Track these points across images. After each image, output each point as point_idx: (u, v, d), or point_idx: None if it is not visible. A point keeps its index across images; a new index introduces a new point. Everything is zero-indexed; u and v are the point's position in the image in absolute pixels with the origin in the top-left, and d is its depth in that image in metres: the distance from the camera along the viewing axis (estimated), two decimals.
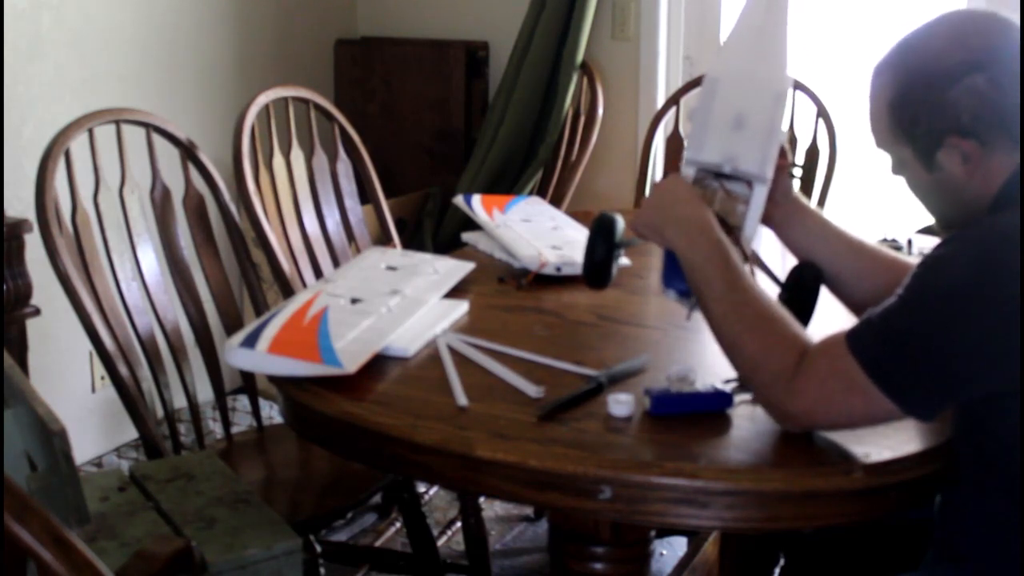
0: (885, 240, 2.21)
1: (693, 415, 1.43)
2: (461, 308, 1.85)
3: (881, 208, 3.11)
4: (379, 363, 1.61)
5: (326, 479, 2.12)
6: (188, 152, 2.23)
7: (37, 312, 2.40)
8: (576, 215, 2.46)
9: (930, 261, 1.31)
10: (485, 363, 1.61)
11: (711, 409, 1.44)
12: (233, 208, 2.27)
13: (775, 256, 1.85)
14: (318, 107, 2.53)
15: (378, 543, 2.72)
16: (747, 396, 1.45)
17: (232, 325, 2.18)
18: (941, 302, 1.27)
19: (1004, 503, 1.32)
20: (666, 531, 2.53)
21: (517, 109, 3.44)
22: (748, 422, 1.42)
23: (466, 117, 3.71)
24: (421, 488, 2.48)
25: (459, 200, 2.42)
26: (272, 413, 3.05)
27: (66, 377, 3.02)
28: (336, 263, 2.44)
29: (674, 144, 3.00)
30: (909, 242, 2.22)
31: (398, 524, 2.74)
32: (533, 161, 3.46)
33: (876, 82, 1.42)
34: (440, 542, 2.66)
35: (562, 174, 3.44)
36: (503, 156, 3.45)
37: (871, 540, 1.67)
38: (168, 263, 2.17)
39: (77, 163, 2.02)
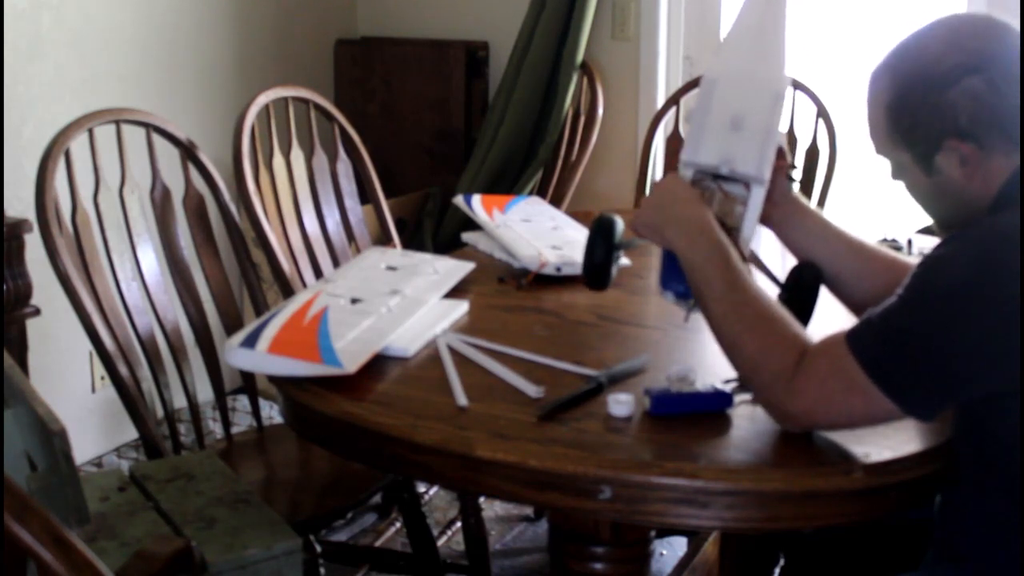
0: (885, 240, 2.21)
1: (693, 415, 1.43)
2: (461, 308, 1.85)
3: (881, 208, 3.11)
4: (379, 363, 1.61)
5: (326, 479, 2.12)
6: (188, 152, 2.23)
7: (37, 312, 2.40)
8: (576, 215, 2.46)
9: (930, 261, 1.31)
10: (485, 363, 1.61)
11: (711, 409, 1.44)
12: (233, 208, 2.27)
13: (775, 256, 1.85)
14: (318, 107, 2.53)
15: (378, 543, 2.72)
16: (747, 396, 1.45)
17: (232, 325, 2.18)
18: (941, 302, 1.27)
19: (1004, 503, 1.32)
20: (666, 531, 2.52)
21: (517, 109, 3.44)
22: (748, 422, 1.42)
23: (466, 117, 3.71)
24: (421, 488, 2.48)
25: (459, 200, 2.42)
26: (272, 413, 3.05)
27: (66, 377, 3.02)
28: (336, 263, 2.44)
29: (674, 144, 3.00)
30: (909, 242, 2.22)
31: (398, 524, 2.74)
32: (533, 161, 3.46)
33: (873, 87, 1.42)
34: (440, 542, 2.66)
35: (562, 174, 3.44)
36: (503, 156, 3.45)
37: (871, 540, 1.67)
38: (168, 263, 2.17)
39: (77, 163, 2.02)
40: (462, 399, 1.48)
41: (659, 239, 1.49)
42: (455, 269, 2.01)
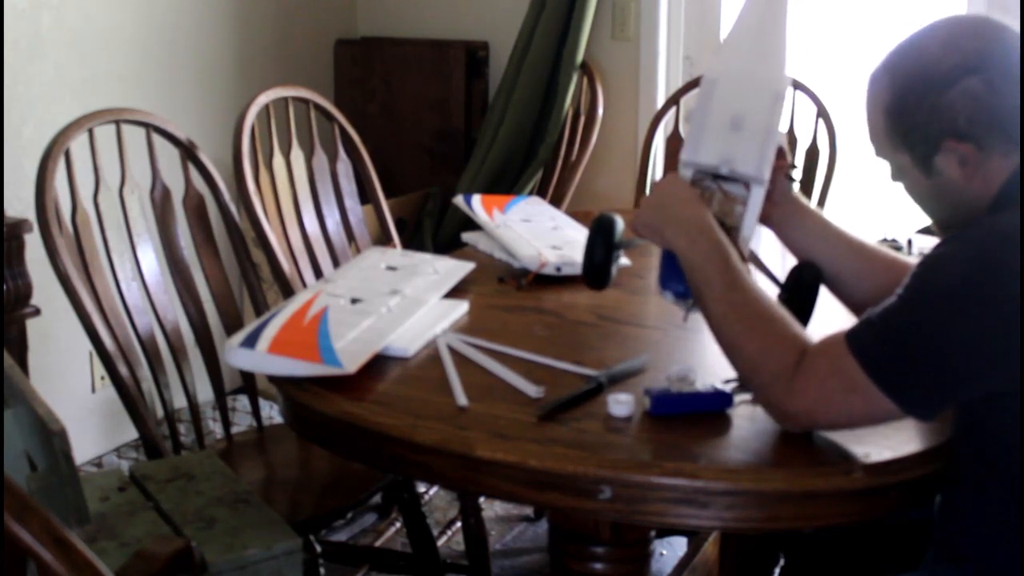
0: (885, 240, 2.21)
1: (693, 415, 1.43)
2: (461, 308, 1.85)
3: (881, 208, 3.11)
4: (379, 363, 1.61)
5: (326, 479, 2.12)
6: (188, 152, 2.23)
7: (37, 312, 2.40)
8: (576, 215, 2.46)
9: (930, 260, 1.31)
10: (485, 363, 1.61)
11: (711, 409, 1.44)
12: (233, 208, 2.27)
13: (775, 256, 1.85)
14: (318, 107, 2.53)
15: (378, 543, 2.72)
16: (747, 396, 1.45)
17: (232, 325, 2.18)
18: (941, 301, 1.27)
19: (1004, 503, 1.32)
20: (666, 531, 2.52)
21: (517, 109, 3.44)
22: (748, 422, 1.42)
23: (466, 117, 3.71)
24: (421, 488, 2.48)
25: (459, 200, 2.42)
26: (272, 413, 3.05)
27: (66, 377, 3.02)
28: (336, 263, 2.44)
29: (674, 144, 3.00)
30: (909, 242, 2.22)
31: (398, 524, 2.74)
32: (533, 161, 3.46)
33: (872, 89, 1.42)
34: (440, 542, 2.66)
35: (562, 174, 3.44)
36: (503, 156, 3.45)
37: (871, 540, 1.67)
38: (168, 263, 2.17)
39: (77, 163, 2.02)
40: (462, 399, 1.48)
41: (659, 239, 1.49)
42: (455, 269, 2.01)
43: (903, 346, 1.28)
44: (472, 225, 2.36)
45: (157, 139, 2.18)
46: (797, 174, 2.41)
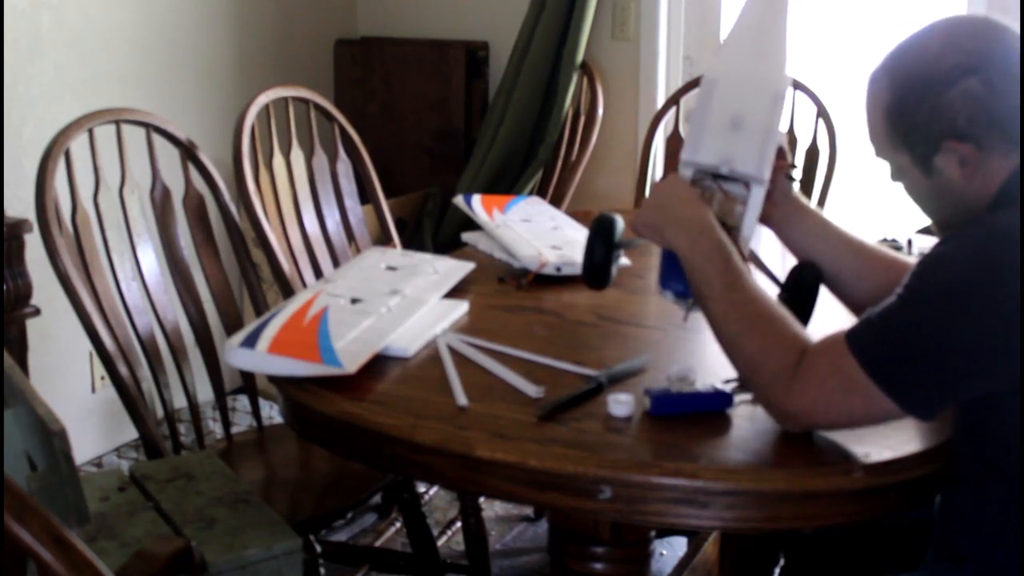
0: (885, 240, 2.21)
1: (693, 415, 1.43)
2: (461, 308, 1.85)
3: (881, 208, 3.11)
4: (379, 363, 1.61)
5: (326, 479, 2.12)
6: (188, 152, 2.23)
7: (37, 312, 2.40)
8: (576, 215, 2.46)
9: (929, 259, 1.31)
10: (485, 363, 1.61)
11: (711, 409, 1.44)
12: (233, 208, 2.27)
13: (775, 256, 1.85)
14: (318, 107, 2.53)
15: (378, 543, 2.72)
16: (747, 396, 1.45)
17: (232, 325, 2.18)
18: (940, 299, 1.27)
19: (1004, 503, 1.32)
20: (666, 531, 2.52)
21: (517, 109, 3.44)
22: (748, 422, 1.42)
23: (466, 117, 3.71)
24: (421, 488, 2.48)
25: (459, 200, 2.42)
26: (272, 413, 3.05)
27: (66, 377, 3.02)
28: (336, 263, 2.44)
29: (674, 144, 2.99)
30: (909, 242, 2.22)
31: (398, 524, 2.74)
32: (533, 161, 3.46)
33: (872, 89, 1.42)
34: (440, 542, 2.66)
35: (562, 174, 3.44)
36: (503, 156, 3.45)
37: (871, 540, 1.67)
38: (168, 263, 2.17)
39: (77, 163, 2.02)
40: (462, 399, 1.48)
41: (660, 239, 1.49)
42: (455, 269, 2.01)
43: (903, 345, 1.28)
44: (472, 225, 2.36)
45: (157, 139, 2.18)
46: (797, 174, 2.41)
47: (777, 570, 1.90)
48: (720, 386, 1.46)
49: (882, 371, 1.28)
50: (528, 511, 2.90)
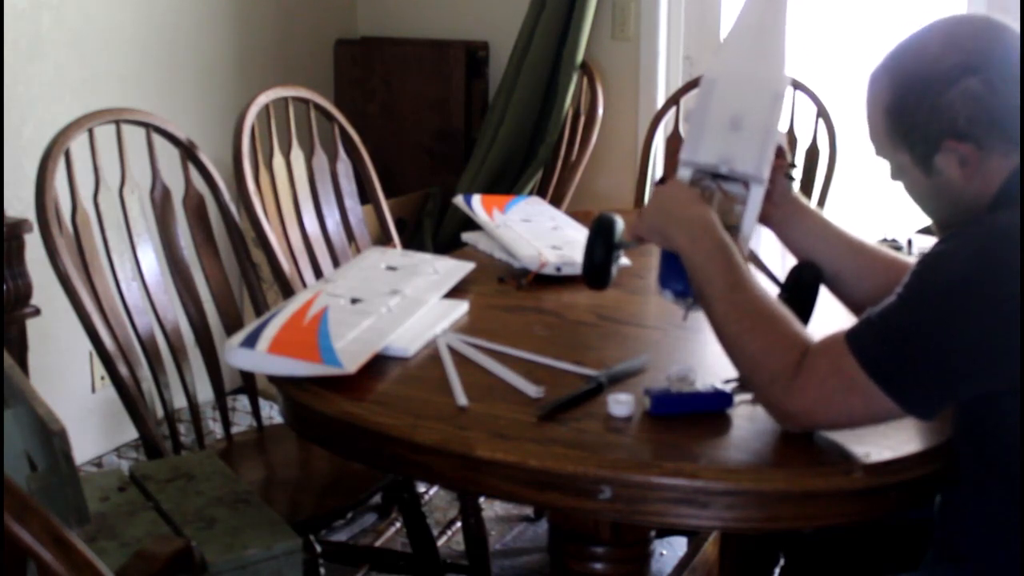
0: (885, 240, 2.21)
1: (693, 415, 1.43)
2: (461, 308, 1.85)
3: (881, 208, 3.11)
4: (379, 363, 1.61)
5: (326, 479, 2.12)
6: (188, 152, 2.23)
7: (37, 312, 2.40)
8: (576, 215, 2.46)
9: (929, 259, 1.31)
10: (485, 363, 1.61)
11: (711, 409, 1.44)
12: (233, 208, 2.27)
13: (775, 256, 1.85)
14: (318, 107, 2.53)
15: (378, 543, 2.72)
16: (747, 396, 1.45)
17: (232, 325, 2.18)
18: (940, 298, 1.28)
19: (1004, 503, 1.32)
20: (666, 531, 2.52)
21: (517, 109, 3.44)
22: (748, 422, 1.42)
23: (466, 117, 3.71)
24: (421, 488, 2.48)
25: (459, 200, 2.42)
26: (272, 413, 3.05)
27: (66, 377, 3.02)
28: (336, 263, 2.44)
29: (674, 144, 2.99)
30: (909, 242, 2.22)
31: (398, 524, 2.74)
32: (533, 161, 3.46)
33: (872, 88, 1.42)
34: (440, 542, 2.66)
35: (562, 174, 3.44)
36: (503, 156, 3.45)
37: (871, 540, 1.67)
38: (168, 263, 2.17)
39: (77, 163, 2.02)
40: (462, 399, 1.48)
41: (662, 240, 1.48)
42: (455, 269, 2.01)
43: (903, 345, 1.28)
44: (472, 225, 2.36)
45: (157, 139, 2.18)
46: (797, 173, 2.41)
47: (777, 570, 1.90)
48: (720, 386, 1.46)
49: (882, 371, 1.28)
50: (528, 511, 2.90)
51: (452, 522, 2.79)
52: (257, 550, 1.59)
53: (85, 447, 3.06)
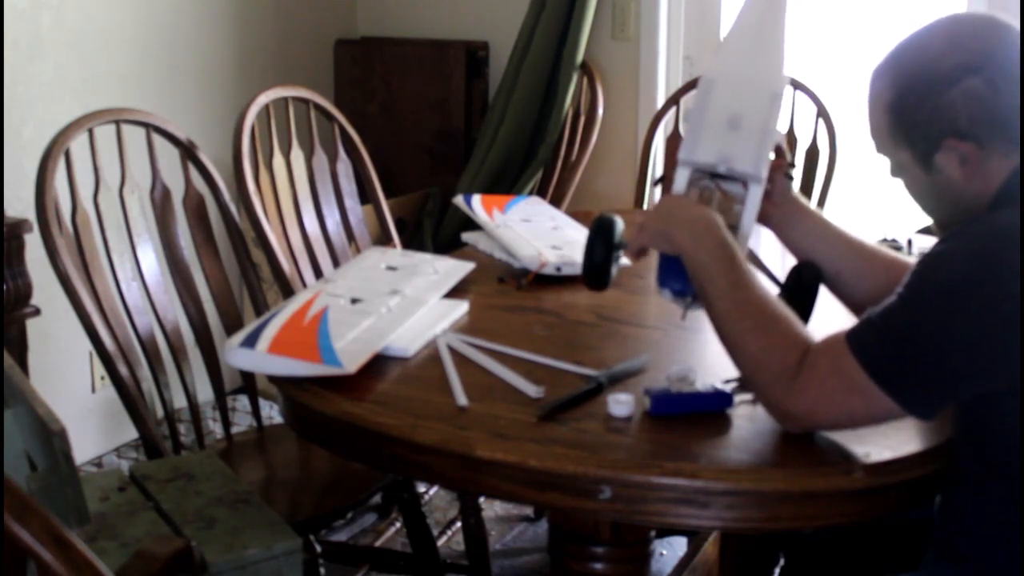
0: (885, 240, 2.21)
1: (693, 415, 1.43)
2: (461, 308, 1.85)
3: (881, 208, 3.11)
4: (379, 363, 1.61)
5: (326, 479, 2.12)
6: (188, 152, 2.23)
7: (37, 312, 2.40)
8: (576, 215, 2.46)
9: (929, 258, 1.31)
10: (485, 363, 1.61)
11: (711, 409, 1.44)
12: (233, 208, 2.27)
13: (775, 256, 1.85)
14: (318, 107, 2.53)
15: (378, 543, 2.72)
16: (747, 396, 1.45)
17: (232, 325, 2.18)
18: (940, 298, 1.28)
19: (1004, 503, 1.32)
20: (666, 531, 2.52)
21: (517, 109, 3.44)
22: (748, 422, 1.42)
23: (466, 117, 3.71)
24: (421, 488, 2.48)
25: (459, 200, 2.42)
26: (272, 413, 3.05)
27: (66, 377, 3.02)
28: (336, 263, 2.44)
29: (674, 144, 3.00)
30: (909, 242, 2.22)
31: (398, 524, 2.74)
32: (533, 161, 3.46)
33: (874, 86, 1.42)
34: (440, 542, 2.66)
35: (562, 174, 3.44)
36: (503, 156, 3.45)
37: (871, 540, 1.67)
38: (168, 263, 2.17)
39: (77, 163, 2.02)
40: (462, 399, 1.48)
41: (665, 243, 1.48)
42: (455, 269, 2.01)
43: (903, 345, 1.28)
44: (472, 225, 2.36)
45: (157, 139, 2.18)
46: (797, 173, 2.41)
47: (777, 570, 1.90)
48: (720, 386, 1.46)
49: (882, 371, 1.28)
50: (528, 511, 2.90)
51: (452, 522, 2.79)
52: (257, 550, 1.59)
53: (85, 447, 3.06)
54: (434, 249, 3.33)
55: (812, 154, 2.90)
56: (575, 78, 3.43)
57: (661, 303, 1.59)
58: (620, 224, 1.57)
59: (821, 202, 2.86)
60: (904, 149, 1.40)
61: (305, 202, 2.44)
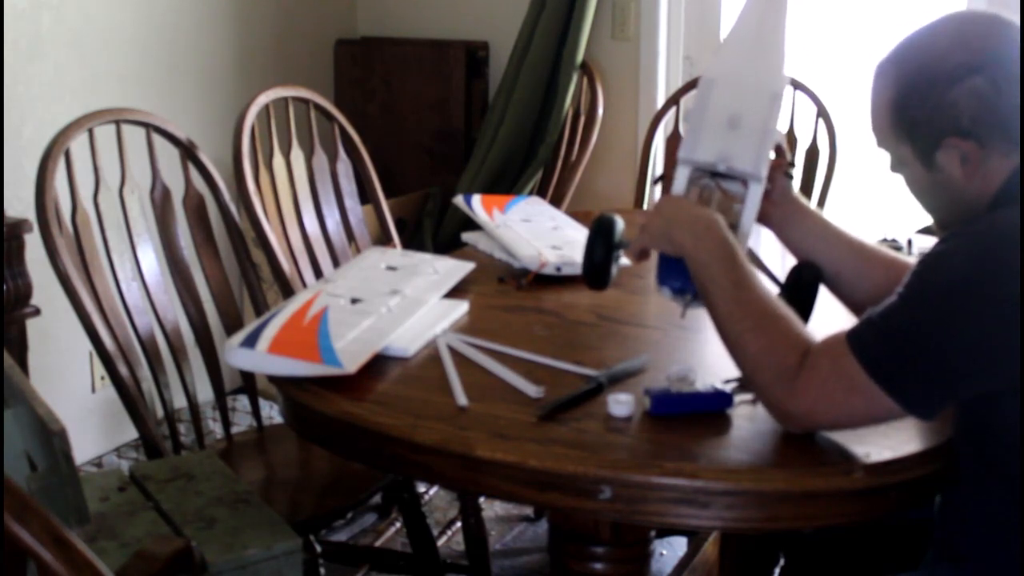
0: (885, 240, 2.21)
1: (693, 415, 1.43)
2: (461, 308, 1.85)
3: (881, 208, 3.11)
4: (379, 363, 1.61)
5: (326, 479, 2.12)
6: (188, 152, 2.23)
7: (37, 312, 2.40)
8: (576, 215, 2.46)
9: (930, 258, 1.31)
10: (485, 363, 1.61)
11: (711, 409, 1.44)
12: (233, 208, 2.27)
13: (775, 256, 1.85)
14: (318, 107, 2.53)
15: (378, 543, 2.72)
16: (747, 396, 1.45)
17: (232, 325, 2.18)
18: (940, 298, 1.28)
19: (1004, 503, 1.32)
20: (666, 531, 2.52)
21: (517, 109, 3.44)
22: (748, 422, 1.42)
23: (466, 117, 3.71)
24: (421, 488, 2.48)
25: (459, 200, 2.42)
26: (272, 413, 3.05)
27: (66, 377, 3.02)
28: (336, 263, 2.44)
29: (674, 144, 2.99)
30: (909, 242, 2.22)
31: (398, 524, 2.74)
32: (533, 161, 3.46)
33: (878, 81, 1.42)
34: (440, 542, 2.66)
35: (562, 174, 3.44)
36: (503, 156, 3.45)
37: (871, 540, 1.67)
38: (168, 263, 2.17)
39: (77, 163, 2.02)
40: (462, 399, 1.48)
41: (667, 243, 1.48)
42: (455, 269, 2.01)
43: (903, 345, 1.28)
44: (472, 225, 2.36)
45: (157, 139, 2.18)
46: (797, 173, 2.41)
47: (777, 570, 1.90)
48: (720, 386, 1.46)
49: (883, 371, 1.28)
50: (528, 511, 2.90)
51: (452, 522, 2.79)
52: (257, 550, 1.59)
53: (85, 447, 3.06)
54: (434, 249, 3.33)
55: (812, 154, 2.90)
56: (575, 78, 3.43)
57: (661, 303, 1.59)
58: (620, 224, 1.57)
59: (821, 202, 2.86)
60: (905, 144, 1.40)
61: (305, 202, 2.44)
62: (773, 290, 1.47)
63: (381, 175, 2.67)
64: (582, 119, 3.45)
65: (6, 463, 1.27)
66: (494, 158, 3.45)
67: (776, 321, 1.37)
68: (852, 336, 1.31)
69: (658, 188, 2.52)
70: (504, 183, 3.46)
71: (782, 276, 1.61)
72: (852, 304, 1.60)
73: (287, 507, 1.96)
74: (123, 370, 1.95)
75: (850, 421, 1.34)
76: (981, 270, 1.26)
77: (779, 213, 1.62)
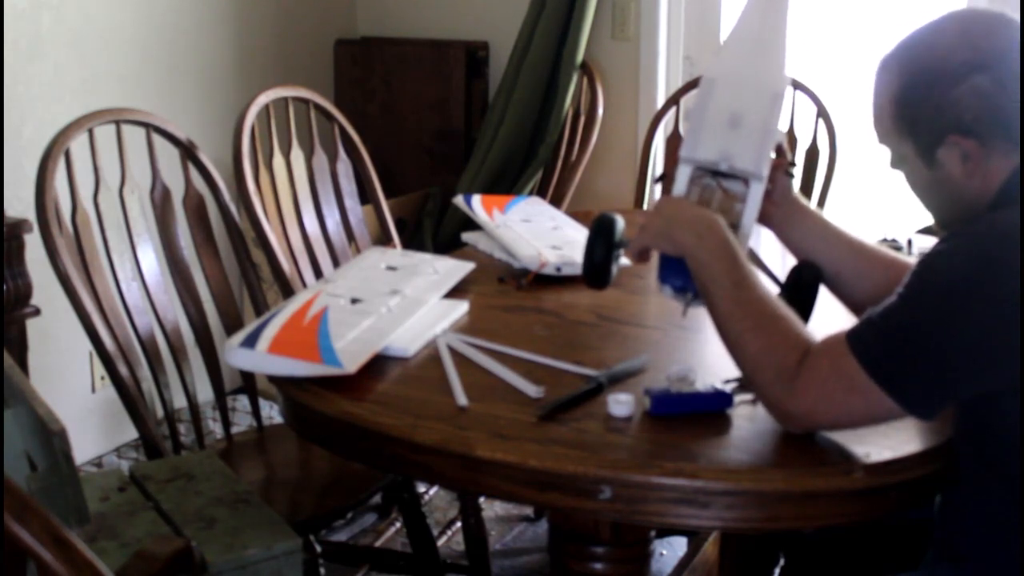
0: (885, 240, 2.21)
1: (693, 415, 1.43)
2: (461, 308, 1.85)
3: (881, 208, 3.11)
4: (379, 363, 1.61)
5: (326, 479, 2.12)
6: (188, 152, 2.23)
7: (37, 312, 2.40)
8: (576, 215, 2.46)
9: (929, 258, 1.31)
10: (485, 363, 1.61)
11: (711, 409, 1.44)
12: (233, 208, 2.27)
13: (775, 256, 1.85)
14: (318, 107, 2.53)
15: (378, 543, 2.72)
16: (747, 396, 1.45)
17: (232, 325, 2.18)
18: (940, 298, 1.28)
19: (1004, 503, 1.32)
20: (666, 531, 2.52)
21: (517, 109, 3.44)
22: (748, 422, 1.42)
23: (466, 117, 3.71)
24: (421, 488, 2.48)
25: (459, 200, 2.42)
26: (272, 413, 3.05)
27: (66, 377, 3.02)
28: (336, 263, 2.44)
29: (674, 144, 2.99)
30: (909, 242, 2.22)
31: (398, 524, 2.74)
32: (533, 161, 3.46)
33: (881, 77, 1.42)
34: (440, 542, 2.66)
35: (562, 174, 3.44)
36: (503, 156, 3.45)
37: (871, 540, 1.67)
38: (168, 263, 2.17)
39: (77, 163, 2.02)
40: (462, 399, 1.48)
41: (667, 243, 1.48)
42: (455, 269, 2.01)
43: (903, 345, 1.28)
44: (472, 225, 2.36)
45: (157, 139, 2.18)
46: (796, 173, 2.41)
47: (777, 570, 1.90)
48: (720, 386, 1.46)
49: (883, 371, 1.28)
50: (528, 511, 2.90)
51: (452, 522, 2.79)
52: (257, 550, 1.59)
53: (85, 447, 3.06)
54: (434, 249, 3.33)
55: (812, 154, 2.90)
56: (575, 78, 3.43)
57: (661, 303, 1.59)
58: (620, 223, 1.57)
59: (821, 202, 2.86)
60: (907, 141, 1.40)
61: (305, 202, 2.44)
62: (773, 290, 1.48)
63: (381, 175, 2.67)
64: (582, 119, 3.45)
65: (6, 463, 1.27)
66: (494, 158, 3.45)
67: (776, 321, 1.37)
68: (852, 336, 1.31)
69: (658, 188, 2.52)
70: (504, 183, 3.46)
71: (782, 276, 1.61)
72: (852, 304, 1.60)
73: (287, 507, 1.96)
74: (123, 370, 1.95)
75: (850, 421, 1.34)
76: (981, 270, 1.26)
77: (779, 213, 1.62)
